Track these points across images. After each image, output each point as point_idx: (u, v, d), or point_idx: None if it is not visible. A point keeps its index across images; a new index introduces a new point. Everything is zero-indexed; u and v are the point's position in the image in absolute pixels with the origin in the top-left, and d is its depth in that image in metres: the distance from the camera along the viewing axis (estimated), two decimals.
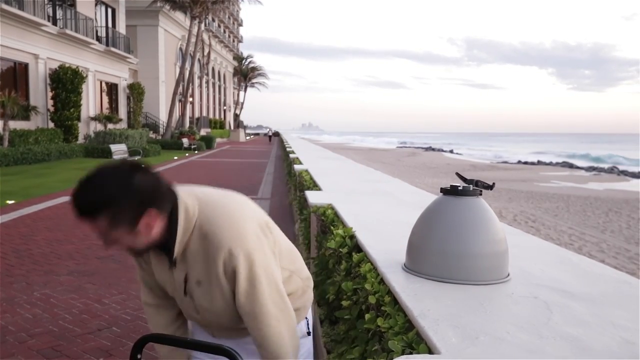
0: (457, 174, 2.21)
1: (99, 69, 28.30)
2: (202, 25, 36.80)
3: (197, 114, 47.63)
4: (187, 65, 35.95)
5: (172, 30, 40.40)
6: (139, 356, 1.27)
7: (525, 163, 42.42)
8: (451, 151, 65.47)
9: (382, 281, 1.97)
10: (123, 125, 31.23)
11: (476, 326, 1.43)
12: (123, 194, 1.30)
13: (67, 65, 23.08)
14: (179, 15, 39.41)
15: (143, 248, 1.42)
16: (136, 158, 18.86)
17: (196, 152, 29.68)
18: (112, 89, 31.10)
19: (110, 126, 27.72)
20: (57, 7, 24.38)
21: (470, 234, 1.84)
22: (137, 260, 1.66)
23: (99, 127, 27.19)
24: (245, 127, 72.82)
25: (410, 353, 1.41)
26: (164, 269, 1.55)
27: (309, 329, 1.84)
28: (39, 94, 22.60)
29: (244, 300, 1.46)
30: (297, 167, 7.62)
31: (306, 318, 1.83)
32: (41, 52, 22.43)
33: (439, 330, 1.40)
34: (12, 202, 9.87)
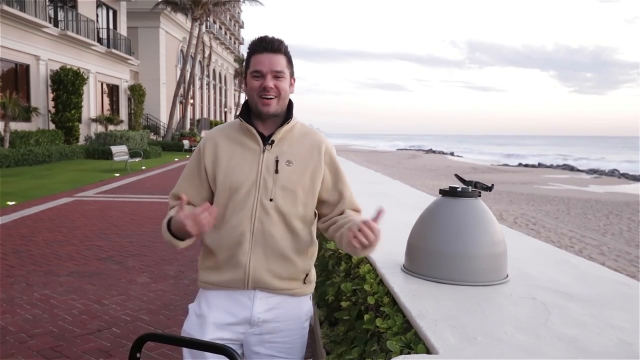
0: (456, 175, 2.22)
1: (100, 71, 28.33)
2: (203, 27, 36.84)
3: (197, 116, 47.64)
4: (188, 67, 35.96)
5: (173, 32, 40.44)
6: (138, 355, 1.28)
7: (526, 165, 42.41)
8: (452, 153, 65.47)
9: (381, 282, 1.98)
10: (124, 126, 31.24)
11: (474, 327, 1.44)
12: (289, 52, 1.75)
13: (68, 66, 23.09)
14: (180, 17, 39.45)
15: (282, 100, 1.71)
16: (137, 160, 18.89)
17: None
18: (113, 91, 31.13)
19: (111, 128, 27.74)
20: (58, 9, 24.41)
21: (469, 235, 1.85)
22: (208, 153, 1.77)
23: (100, 128, 27.21)
24: None
25: (409, 353, 1.41)
26: (249, 155, 1.72)
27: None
28: (40, 96, 22.62)
29: (342, 170, 1.83)
30: None
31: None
32: (42, 53, 22.46)
33: (437, 331, 1.40)
34: (13, 203, 9.88)
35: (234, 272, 1.73)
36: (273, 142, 1.73)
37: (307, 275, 1.81)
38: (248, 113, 1.76)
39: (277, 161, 1.72)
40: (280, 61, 1.70)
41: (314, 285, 1.89)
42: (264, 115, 1.72)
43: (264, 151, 1.73)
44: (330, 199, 1.80)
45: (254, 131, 1.74)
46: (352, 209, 1.82)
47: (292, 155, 1.74)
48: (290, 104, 1.78)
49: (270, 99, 1.69)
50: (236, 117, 1.81)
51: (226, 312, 1.75)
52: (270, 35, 1.73)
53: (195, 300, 1.86)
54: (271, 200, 1.70)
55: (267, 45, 1.69)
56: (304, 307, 1.85)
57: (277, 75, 1.69)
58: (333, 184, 1.80)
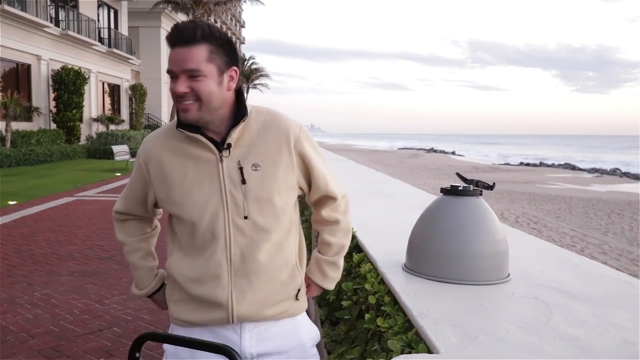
0: (458, 174, 2.21)
1: (101, 70, 28.35)
2: None
3: None
4: None
5: None
6: (137, 355, 1.27)
7: (528, 165, 42.37)
8: (453, 153, 65.45)
9: (382, 281, 1.97)
10: (125, 126, 31.27)
11: (476, 326, 1.43)
12: (222, 35, 1.38)
13: (69, 66, 23.13)
14: (181, 17, 39.46)
15: (206, 105, 1.37)
16: None
17: None
18: (114, 90, 31.14)
19: (112, 127, 27.75)
20: (59, 9, 24.43)
21: (471, 234, 1.84)
22: (149, 167, 1.50)
23: (101, 128, 27.23)
24: None
25: (410, 352, 1.40)
26: (204, 169, 1.43)
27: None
28: (41, 95, 22.64)
29: (317, 162, 1.53)
30: None
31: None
32: (43, 53, 22.48)
33: (438, 330, 1.39)
34: (14, 202, 9.89)
35: (213, 311, 1.46)
36: (230, 145, 1.42)
37: (299, 290, 1.56)
38: None
39: (240, 168, 1.41)
40: (194, 55, 1.33)
41: (306, 298, 1.64)
42: (191, 124, 1.40)
43: (221, 159, 1.42)
44: (304, 188, 1.56)
45: (203, 139, 1.41)
46: (327, 195, 1.56)
47: (257, 156, 1.43)
48: (239, 99, 1.45)
49: (187, 104, 1.36)
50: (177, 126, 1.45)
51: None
52: (188, 20, 1.41)
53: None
54: (246, 217, 1.42)
55: (177, 37, 1.35)
56: (303, 328, 1.59)
57: (191, 75, 1.34)
58: (305, 177, 1.53)
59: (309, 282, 1.65)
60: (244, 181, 1.42)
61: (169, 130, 1.49)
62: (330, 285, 1.67)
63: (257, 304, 1.46)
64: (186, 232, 1.48)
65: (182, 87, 1.35)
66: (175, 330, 1.58)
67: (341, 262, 1.69)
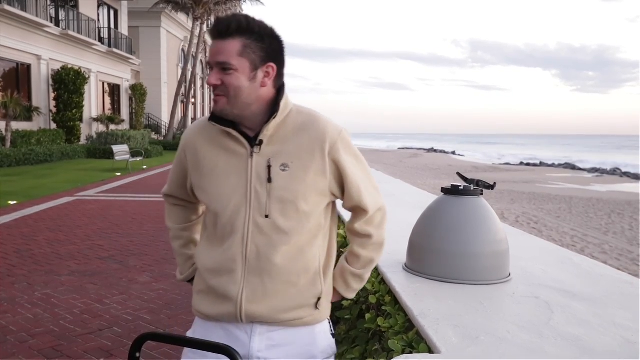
0: (458, 173, 2.21)
1: (101, 70, 28.33)
2: (205, 27, 36.86)
3: (199, 115, 47.68)
4: (189, 66, 35.96)
5: (174, 32, 40.43)
6: (137, 355, 1.27)
7: (528, 164, 42.36)
8: (453, 152, 65.45)
9: (382, 281, 1.97)
10: (125, 126, 31.25)
11: (477, 326, 1.43)
12: (262, 30, 1.35)
13: (69, 66, 23.11)
14: (181, 17, 39.44)
15: (234, 100, 1.37)
16: (138, 159, 18.90)
17: None
18: (114, 90, 31.13)
19: (112, 127, 27.74)
20: (59, 8, 24.41)
21: (471, 234, 1.83)
22: (190, 156, 1.52)
23: (101, 128, 27.21)
24: None
25: (411, 352, 1.40)
26: (235, 162, 1.43)
27: (332, 330, 1.61)
28: (42, 95, 22.63)
29: (353, 171, 1.46)
30: None
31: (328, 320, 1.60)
32: (44, 53, 22.46)
33: (439, 330, 1.39)
34: (14, 202, 9.88)
35: (225, 304, 1.45)
36: (262, 142, 1.41)
37: (319, 299, 1.48)
38: None
39: (269, 166, 1.40)
40: (227, 49, 1.33)
41: (330, 307, 1.57)
42: (220, 116, 1.41)
43: (252, 155, 1.41)
44: (338, 195, 1.51)
45: (234, 132, 1.42)
46: (359, 206, 1.50)
47: (288, 157, 1.40)
48: (279, 95, 1.42)
49: (218, 96, 1.37)
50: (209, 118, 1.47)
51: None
52: (229, 14, 1.38)
53: (191, 329, 1.59)
54: (267, 216, 1.40)
55: (214, 30, 1.35)
56: (318, 340, 1.50)
57: (223, 68, 1.34)
58: (339, 184, 1.47)
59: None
60: (269, 179, 1.39)
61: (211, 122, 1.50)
62: (352, 295, 1.60)
63: (270, 305, 1.43)
64: (211, 222, 1.48)
65: (214, 79, 1.35)
66: (197, 324, 1.56)
67: (367, 276, 1.58)
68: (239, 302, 1.42)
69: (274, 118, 1.40)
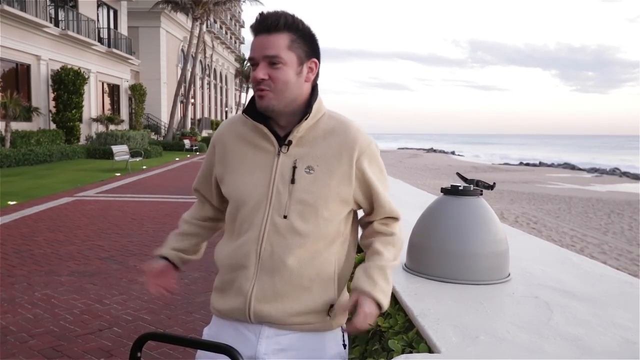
0: (458, 174, 2.21)
1: (100, 70, 28.33)
2: (204, 27, 36.86)
3: (198, 115, 47.63)
4: (189, 67, 35.96)
5: (173, 32, 40.43)
6: (139, 354, 1.27)
7: (527, 164, 42.39)
8: (453, 153, 65.46)
9: None
10: (125, 126, 31.24)
11: (476, 326, 1.43)
12: (304, 27, 1.39)
13: (69, 66, 23.09)
14: (180, 17, 39.44)
15: (280, 94, 1.37)
16: (137, 159, 18.90)
17: (198, 153, 29.70)
18: (113, 90, 31.13)
19: (111, 127, 27.73)
20: (59, 9, 24.41)
21: (471, 234, 1.84)
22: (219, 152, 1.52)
23: (101, 128, 27.20)
24: None
25: (411, 352, 1.40)
26: (261, 159, 1.43)
27: (344, 340, 1.54)
28: (41, 95, 22.62)
29: (380, 184, 1.46)
30: None
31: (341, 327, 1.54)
32: (43, 53, 22.46)
33: (439, 330, 1.39)
34: (14, 203, 9.88)
35: (236, 299, 1.44)
36: (290, 142, 1.40)
37: (331, 306, 1.44)
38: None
39: (294, 167, 1.39)
40: (275, 42, 1.34)
41: (345, 315, 1.52)
42: (265, 113, 1.40)
43: (279, 154, 1.41)
44: (363, 207, 1.50)
45: (265, 129, 1.42)
46: (388, 216, 1.50)
47: (314, 160, 1.39)
48: (313, 95, 1.42)
49: (264, 90, 1.36)
50: (243, 112, 1.47)
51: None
52: (272, 11, 1.38)
53: (210, 325, 1.59)
54: (285, 217, 1.39)
55: (260, 25, 1.36)
56: (328, 348, 1.46)
57: (271, 62, 1.34)
58: (365, 196, 1.45)
59: (357, 296, 1.42)
60: (293, 180, 1.39)
61: (242, 116, 1.50)
62: (382, 298, 1.41)
63: (279, 307, 1.40)
64: (231, 216, 1.48)
65: (261, 73, 1.34)
66: (213, 322, 1.56)
67: (390, 275, 1.47)
68: (249, 299, 1.40)
69: (306, 119, 1.39)
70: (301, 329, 1.43)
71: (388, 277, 1.45)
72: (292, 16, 1.37)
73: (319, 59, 1.42)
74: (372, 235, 1.52)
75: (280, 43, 1.34)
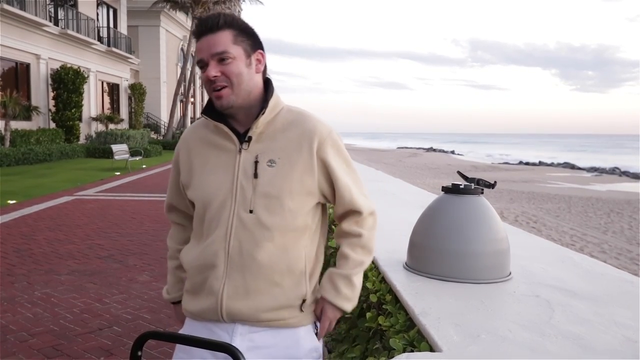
0: (459, 172, 2.21)
1: (100, 69, 28.31)
2: None
3: (198, 114, 47.63)
4: (189, 66, 35.93)
5: (173, 31, 40.40)
6: (139, 353, 1.27)
7: (527, 164, 42.38)
8: (452, 152, 65.47)
9: (383, 280, 1.97)
10: (124, 125, 31.23)
11: (478, 324, 1.43)
12: (243, 22, 1.44)
13: (68, 65, 23.08)
14: (180, 16, 39.41)
15: (237, 88, 1.39)
16: (137, 158, 18.89)
17: None
18: (113, 89, 31.11)
19: (111, 126, 27.72)
20: (58, 8, 24.39)
21: (472, 233, 1.84)
22: (183, 157, 1.55)
23: (100, 127, 27.19)
24: None
25: (412, 351, 1.40)
26: (224, 158, 1.45)
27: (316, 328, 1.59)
28: (41, 94, 22.61)
29: (343, 173, 1.47)
30: None
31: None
32: (43, 52, 22.44)
33: (440, 328, 1.39)
34: (14, 202, 9.87)
35: (207, 300, 1.44)
36: (251, 138, 1.43)
37: (304, 300, 1.46)
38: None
39: (256, 162, 1.41)
40: (220, 39, 1.37)
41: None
42: (224, 111, 1.42)
43: (240, 151, 1.43)
44: (330, 200, 1.51)
45: (225, 128, 1.44)
46: (352, 209, 1.50)
47: (275, 153, 1.42)
48: (267, 88, 1.46)
49: (220, 90, 1.38)
50: (202, 114, 1.49)
51: (207, 350, 1.38)
52: (210, 14, 1.43)
53: (183, 327, 1.58)
54: (251, 212, 1.40)
55: (202, 27, 1.39)
56: (302, 344, 1.47)
57: (221, 58, 1.37)
58: (329, 185, 1.46)
59: (322, 304, 1.49)
60: (256, 175, 1.41)
61: (203, 120, 1.53)
62: (345, 305, 1.48)
63: (251, 304, 1.41)
64: (198, 219, 1.49)
65: (214, 70, 1.37)
66: (186, 324, 1.57)
67: (357, 281, 1.50)
68: (220, 298, 1.41)
69: (263, 113, 1.42)
70: (274, 324, 1.44)
71: (353, 283, 1.49)
72: (230, 14, 1.42)
73: (264, 50, 1.46)
74: (340, 236, 1.55)
75: (226, 39, 1.38)
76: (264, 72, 1.47)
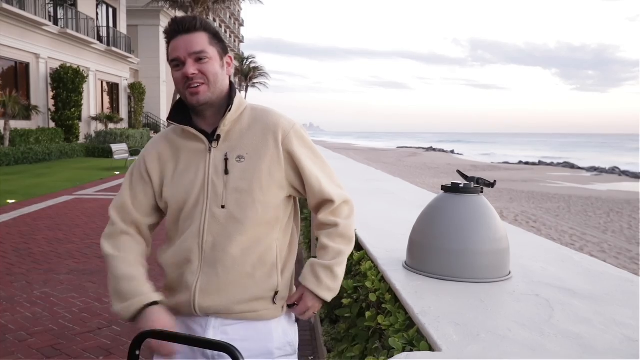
0: (459, 171, 2.20)
1: (100, 69, 28.30)
2: None
3: None
4: None
5: None
6: (137, 352, 1.26)
7: (527, 163, 42.39)
8: (452, 151, 65.48)
9: (382, 279, 1.96)
10: (124, 125, 31.22)
11: (477, 324, 1.43)
12: (217, 29, 1.51)
13: (68, 64, 23.08)
14: (180, 15, 39.47)
15: (213, 86, 1.45)
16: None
17: None
18: (113, 89, 31.10)
19: (111, 126, 27.72)
20: (58, 7, 24.38)
21: (472, 232, 1.83)
22: (148, 164, 1.55)
23: (100, 126, 27.18)
24: None
25: (411, 350, 1.40)
26: (194, 158, 1.49)
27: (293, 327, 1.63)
28: (40, 94, 22.60)
29: (310, 163, 1.50)
30: None
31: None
32: (42, 51, 22.43)
33: (440, 328, 1.39)
34: (13, 201, 9.87)
35: (182, 295, 1.48)
36: (219, 137, 1.48)
37: (276, 292, 1.50)
38: (183, 112, 1.52)
39: (226, 159, 1.46)
40: (198, 39, 1.43)
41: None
42: (197, 108, 1.47)
43: (210, 150, 1.48)
44: (300, 189, 1.54)
45: (193, 130, 1.48)
46: (323, 199, 1.52)
47: (244, 149, 1.47)
48: (231, 88, 1.52)
49: (197, 86, 1.43)
50: (167, 120, 1.53)
51: (197, 349, 1.45)
52: (184, 16, 1.49)
53: None
54: (223, 207, 1.45)
55: (179, 27, 1.44)
56: (275, 336, 1.52)
57: (198, 58, 1.43)
58: (298, 177, 1.50)
59: (302, 291, 1.53)
60: (226, 171, 1.46)
61: (171, 128, 1.59)
62: (326, 295, 1.51)
63: (224, 297, 1.45)
64: (172, 220, 1.53)
65: (192, 69, 1.42)
66: None
67: (339, 271, 1.53)
68: (193, 292, 1.45)
69: (229, 111, 1.47)
70: (247, 317, 1.48)
71: (335, 273, 1.52)
72: (204, 19, 1.49)
73: (232, 56, 1.55)
74: (318, 228, 1.57)
75: (203, 40, 1.44)
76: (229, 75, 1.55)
